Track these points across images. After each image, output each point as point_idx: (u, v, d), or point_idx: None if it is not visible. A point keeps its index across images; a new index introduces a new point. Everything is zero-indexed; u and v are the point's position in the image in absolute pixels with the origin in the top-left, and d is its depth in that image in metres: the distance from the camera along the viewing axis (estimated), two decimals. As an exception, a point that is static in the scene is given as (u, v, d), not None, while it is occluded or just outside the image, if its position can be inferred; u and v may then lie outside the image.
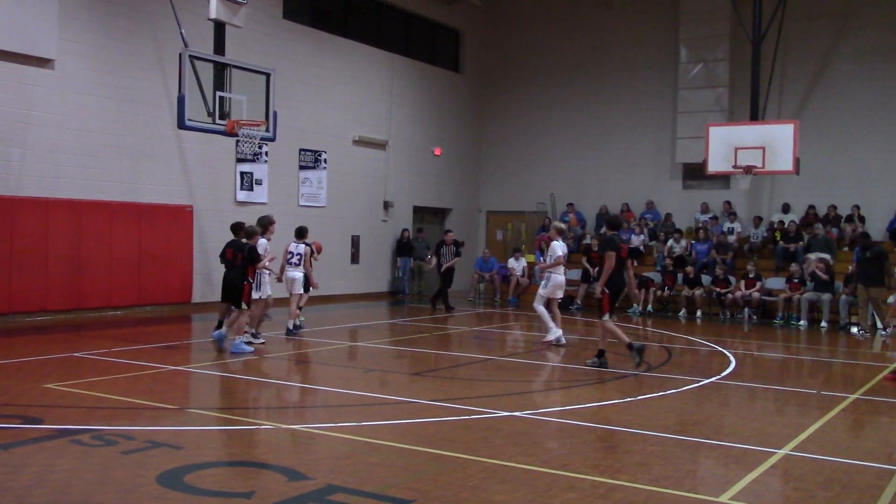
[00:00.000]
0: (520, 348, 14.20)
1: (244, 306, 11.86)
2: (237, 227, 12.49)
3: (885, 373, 11.13)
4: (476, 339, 14.35)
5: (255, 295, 12.25)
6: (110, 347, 11.95)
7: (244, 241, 12.16)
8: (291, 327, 13.62)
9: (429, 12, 24.67)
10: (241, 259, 11.93)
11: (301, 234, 13.88)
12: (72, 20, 15.74)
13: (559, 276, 13.16)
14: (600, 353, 11.19)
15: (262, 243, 12.41)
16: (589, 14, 24.80)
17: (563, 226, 14.74)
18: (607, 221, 11.96)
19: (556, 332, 13.16)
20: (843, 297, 17.59)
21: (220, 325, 12.60)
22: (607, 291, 10.96)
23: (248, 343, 12.01)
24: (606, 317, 10.99)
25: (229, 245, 12.31)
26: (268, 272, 12.88)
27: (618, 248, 10.93)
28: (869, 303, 16.35)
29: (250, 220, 18.75)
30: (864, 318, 16.58)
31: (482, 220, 26.80)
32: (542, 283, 13.37)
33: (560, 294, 13.37)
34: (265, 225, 12.78)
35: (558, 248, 13.14)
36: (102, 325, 14.92)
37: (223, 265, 12.57)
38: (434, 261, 19.41)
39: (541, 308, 13.22)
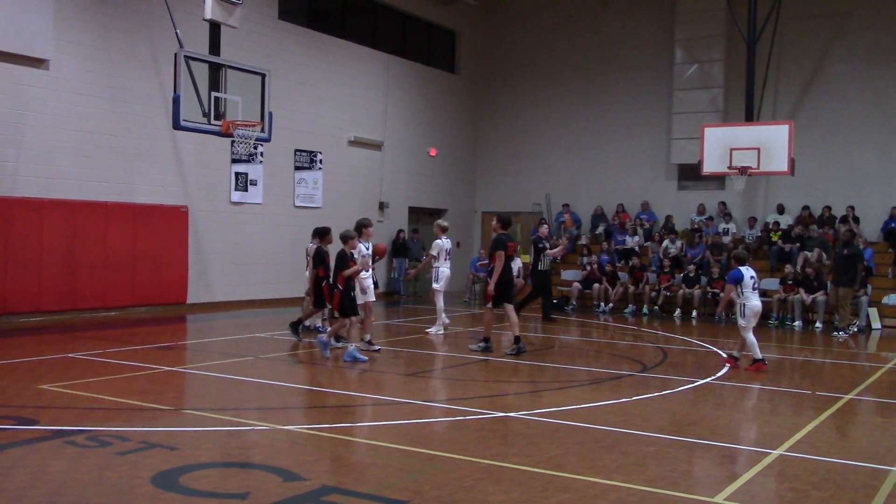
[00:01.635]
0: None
1: (326, 307, 12.41)
2: (323, 232, 12.96)
3: (745, 364, 11.66)
4: (472, 340, 14.34)
5: (359, 300, 12.01)
6: (105, 348, 11.93)
7: (323, 246, 12.70)
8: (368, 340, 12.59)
9: (425, 13, 24.68)
10: (311, 264, 12.57)
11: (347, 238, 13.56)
12: (66, 20, 15.71)
13: (446, 270, 14.66)
14: (516, 340, 12.31)
15: (360, 248, 11.95)
16: (585, 15, 24.82)
17: (445, 224, 15.00)
18: (500, 221, 12.45)
19: (440, 326, 14.71)
20: (821, 297, 17.67)
21: (296, 327, 13.27)
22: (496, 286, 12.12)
23: (362, 351, 11.66)
24: (490, 304, 12.35)
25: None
26: (368, 275, 12.49)
27: (505, 248, 12.07)
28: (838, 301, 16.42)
29: (248, 220, 18.92)
30: (844, 319, 16.57)
31: (478, 220, 26.80)
32: (434, 277, 14.71)
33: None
34: (360, 228, 12.39)
35: (439, 244, 14.55)
36: (97, 325, 14.90)
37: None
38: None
39: (440, 303, 14.73)
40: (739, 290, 11.51)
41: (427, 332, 14.72)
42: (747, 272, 11.57)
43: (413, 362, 12.14)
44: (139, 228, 16.70)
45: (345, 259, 11.41)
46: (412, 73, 24.12)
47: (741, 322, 11.56)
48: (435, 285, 14.78)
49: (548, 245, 17.69)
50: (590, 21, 24.73)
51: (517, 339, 12.31)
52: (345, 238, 11.58)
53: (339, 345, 12.21)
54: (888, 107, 20.80)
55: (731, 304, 12.84)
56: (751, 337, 11.48)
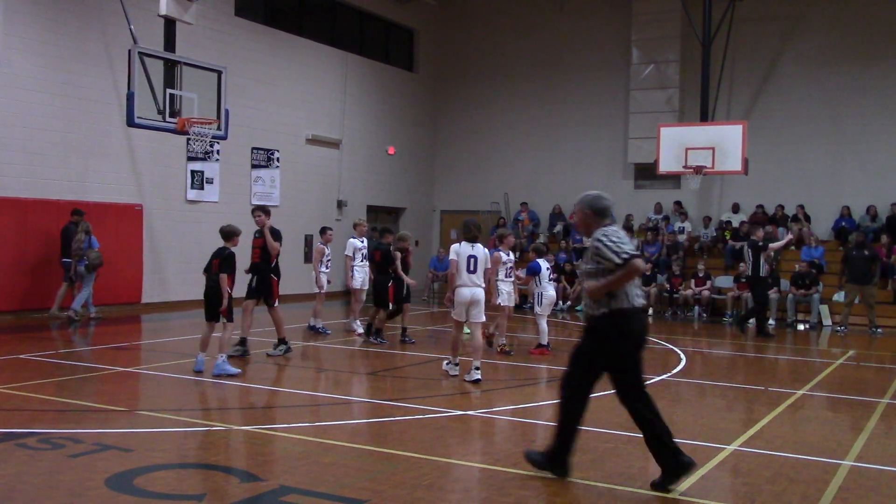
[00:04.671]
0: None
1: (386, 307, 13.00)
2: (384, 231, 13.67)
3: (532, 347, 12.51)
4: (430, 339, 14.34)
5: (499, 301, 12.13)
6: (57, 349, 11.72)
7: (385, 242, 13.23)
8: (503, 342, 12.58)
9: (383, 11, 24.61)
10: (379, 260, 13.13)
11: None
12: (16, 14, 15.40)
13: (362, 271, 14.39)
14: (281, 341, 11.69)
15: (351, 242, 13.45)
16: (542, 15, 24.94)
17: (359, 220, 15.08)
18: (266, 211, 11.85)
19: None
20: (791, 295, 17.94)
21: (370, 328, 13.41)
22: (275, 278, 11.52)
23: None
24: (276, 303, 11.51)
25: (376, 248, 13.36)
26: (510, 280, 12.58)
27: (280, 238, 11.59)
28: (854, 301, 16.63)
29: (204, 218, 18.70)
30: (846, 317, 16.83)
31: (436, 219, 26.82)
32: (351, 276, 14.48)
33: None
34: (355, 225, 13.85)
35: (352, 244, 14.39)
36: (48, 326, 14.63)
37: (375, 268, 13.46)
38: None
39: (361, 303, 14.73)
40: (537, 280, 12.37)
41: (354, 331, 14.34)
42: (544, 264, 12.54)
43: (371, 361, 12.11)
44: (93, 227, 16.41)
45: (389, 255, 12.90)
46: (370, 71, 24.04)
47: (538, 310, 12.41)
48: (354, 284, 14.40)
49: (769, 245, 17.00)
50: (547, 21, 24.86)
51: (283, 340, 11.74)
52: (403, 238, 13.31)
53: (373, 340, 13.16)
54: (837, 107, 21.22)
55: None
56: (543, 324, 12.42)
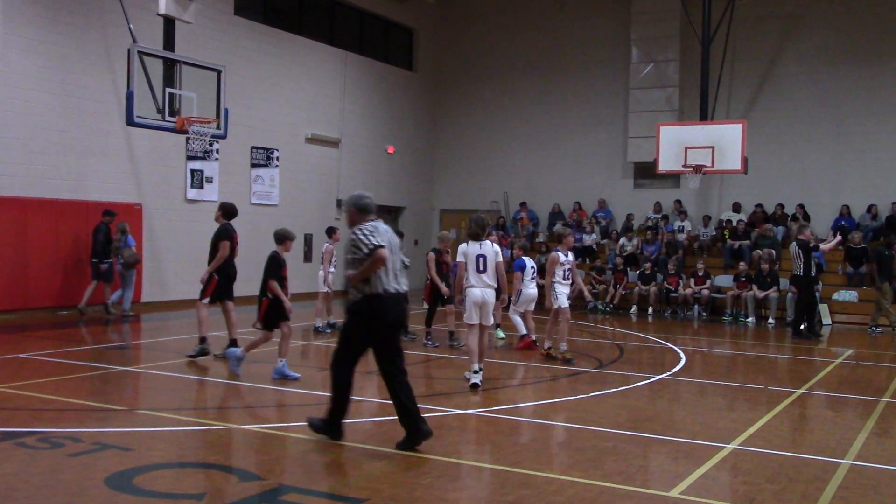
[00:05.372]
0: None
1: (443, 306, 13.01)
2: (442, 238, 13.79)
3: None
4: (430, 337, 14.33)
5: (557, 304, 11.65)
6: (57, 348, 11.72)
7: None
8: (564, 348, 11.81)
9: (382, 10, 24.60)
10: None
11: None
12: (16, 13, 15.39)
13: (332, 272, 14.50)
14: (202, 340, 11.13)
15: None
16: (542, 14, 24.94)
17: (331, 228, 15.13)
18: (223, 209, 11.35)
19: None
20: (790, 294, 17.93)
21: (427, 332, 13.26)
22: (216, 277, 10.99)
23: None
24: (206, 300, 11.02)
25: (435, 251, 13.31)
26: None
27: (230, 238, 11.04)
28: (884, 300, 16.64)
29: (203, 218, 18.66)
30: (888, 314, 16.75)
31: (436, 218, 26.81)
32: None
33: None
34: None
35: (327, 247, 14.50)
36: (49, 325, 14.63)
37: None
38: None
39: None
40: (521, 277, 12.55)
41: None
42: (529, 262, 12.67)
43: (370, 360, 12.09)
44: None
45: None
46: (370, 70, 24.04)
47: (512, 307, 12.79)
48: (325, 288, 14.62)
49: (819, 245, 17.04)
50: (547, 20, 24.85)
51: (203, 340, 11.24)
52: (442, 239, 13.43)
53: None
54: (837, 106, 21.22)
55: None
56: (517, 319, 12.80)
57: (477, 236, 9.54)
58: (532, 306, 12.81)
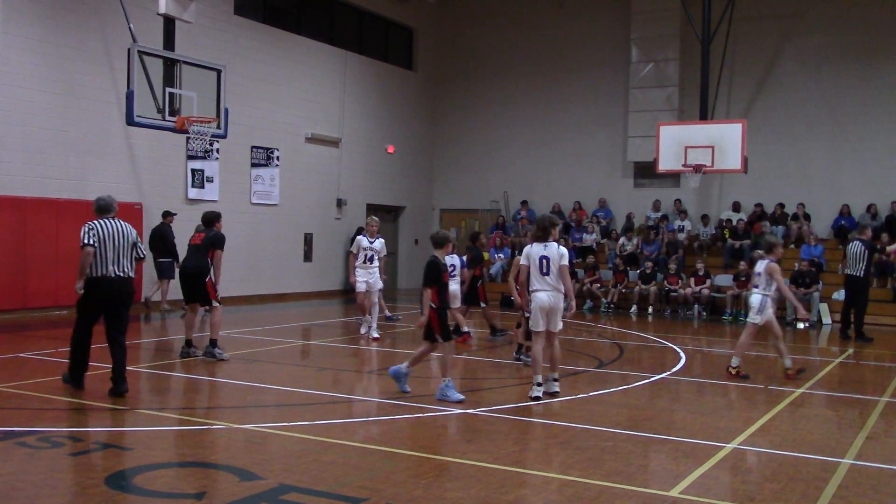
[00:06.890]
0: (473, 345, 14.22)
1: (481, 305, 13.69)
2: (476, 236, 14.06)
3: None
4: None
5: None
6: (57, 347, 11.71)
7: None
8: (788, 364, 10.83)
9: (382, 10, 24.61)
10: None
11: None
12: (16, 13, 15.39)
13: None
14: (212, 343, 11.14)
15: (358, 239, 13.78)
16: (542, 13, 24.94)
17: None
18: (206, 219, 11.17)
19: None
20: (815, 294, 17.96)
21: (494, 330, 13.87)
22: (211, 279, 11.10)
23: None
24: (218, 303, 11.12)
25: (468, 251, 13.65)
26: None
27: (222, 247, 11.05)
28: None
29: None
30: None
31: (436, 217, 26.81)
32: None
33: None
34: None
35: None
36: (49, 324, 14.64)
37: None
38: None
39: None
40: None
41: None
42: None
43: (371, 359, 12.11)
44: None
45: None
46: (369, 69, 24.04)
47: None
48: (359, 287, 13.70)
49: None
50: (547, 19, 24.85)
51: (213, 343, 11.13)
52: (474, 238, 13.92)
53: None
54: (837, 106, 21.22)
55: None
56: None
57: (545, 237, 9.00)
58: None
